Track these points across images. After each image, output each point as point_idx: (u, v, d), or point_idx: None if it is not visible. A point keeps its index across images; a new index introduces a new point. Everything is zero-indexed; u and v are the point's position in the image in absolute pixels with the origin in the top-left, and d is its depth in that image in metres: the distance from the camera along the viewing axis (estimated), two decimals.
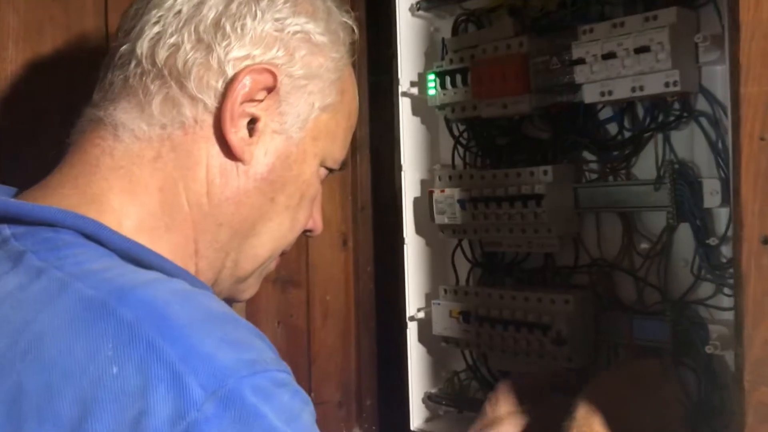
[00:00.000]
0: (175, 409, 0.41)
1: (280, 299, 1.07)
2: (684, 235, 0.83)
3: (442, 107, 1.00)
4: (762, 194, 0.50)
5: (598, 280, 0.90)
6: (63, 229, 0.51)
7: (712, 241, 0.79)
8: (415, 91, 1.02)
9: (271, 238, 0.63)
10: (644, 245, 0.87)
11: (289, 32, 0.59)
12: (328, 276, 1.12)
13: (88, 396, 0.41)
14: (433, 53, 1.04)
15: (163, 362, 0.42)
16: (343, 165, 0.68)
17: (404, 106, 1.03)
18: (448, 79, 0.97)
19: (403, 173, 1.03)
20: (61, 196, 0.55)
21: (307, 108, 0.60)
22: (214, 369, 0.42)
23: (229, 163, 0.58)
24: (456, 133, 1.02)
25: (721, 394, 0.79)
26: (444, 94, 0.98)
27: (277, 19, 0.59)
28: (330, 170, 0.66)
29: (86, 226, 0.52)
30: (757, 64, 0.50)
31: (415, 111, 1.04)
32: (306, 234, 0.68)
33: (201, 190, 0.57)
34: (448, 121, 1.03)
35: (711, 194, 0.79)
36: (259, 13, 0.58)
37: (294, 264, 1.09)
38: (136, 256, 0.52)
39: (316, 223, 0.69)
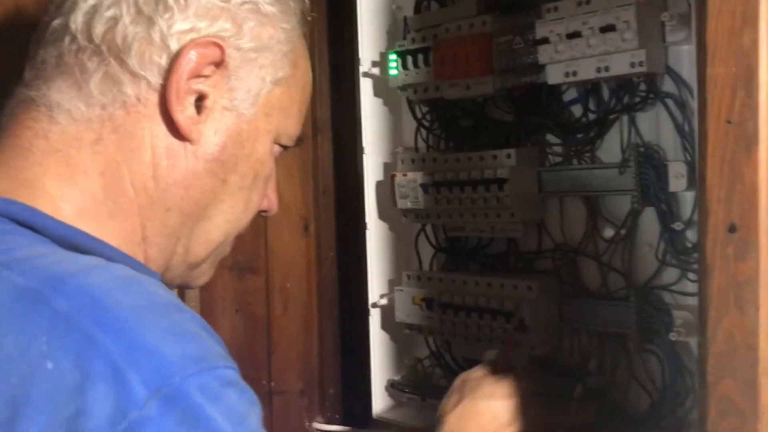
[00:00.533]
0: (115, 407, 0.38)
1: (238, 286, 1.04)
2: (649, 219, 0.81)
3: (404, 88, 0.97)
4: (729, 180, 0.48)
5: (562, 266, 0.88)
6: None
7: (678, 225, 0.78)
8: (376, 71, 0.99)
9: (225, 221, 0.60)
10: (609, 230, 0.85)
11: (236, 2, 0.56)
12: (288, 262, 1.09)
13: (19, 395, 0.38)
14: (395, 32, 1.01)
15: (102, 357, 0.39)
16: (299, 141, 0.65)
17: (365, 86, 1.00)
18: (410, 59, 0.94)
19: (365, 156, 1.01)
20: None
21: (259, 82, 0.57)
22: (158, 365, 0.40)
23: (176, 143, 0.54)
24: (419, 114, 1.00)
25: (684, 381, 0.78)
26: (406, 75, 0.95)
27: None
28: (284, 147, 0.63)
29: (18, 212, 0.49)
30: (724, 44, 0.48)
31: (377, 92, 1.01)
32: (261, 214, 0.65)
33: (146, 174, 0.54)
34: (410, 103, 1.00)
35: (677, 178, 0.77)
36: None
37: (252, 250, 1.06)
38: (75, 243, 0.49)
39: (272, 203, 0.66)
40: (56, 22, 0.54)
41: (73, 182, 0.52)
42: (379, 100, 1.02)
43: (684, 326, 0.76)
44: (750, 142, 0.47)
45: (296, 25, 0.60)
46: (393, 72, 0.96)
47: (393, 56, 0.96)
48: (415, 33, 0.95)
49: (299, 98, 0.62)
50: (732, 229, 0.48)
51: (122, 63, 0.52)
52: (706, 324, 0.49)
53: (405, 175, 0.95)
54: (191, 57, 0.53)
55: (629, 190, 0.80)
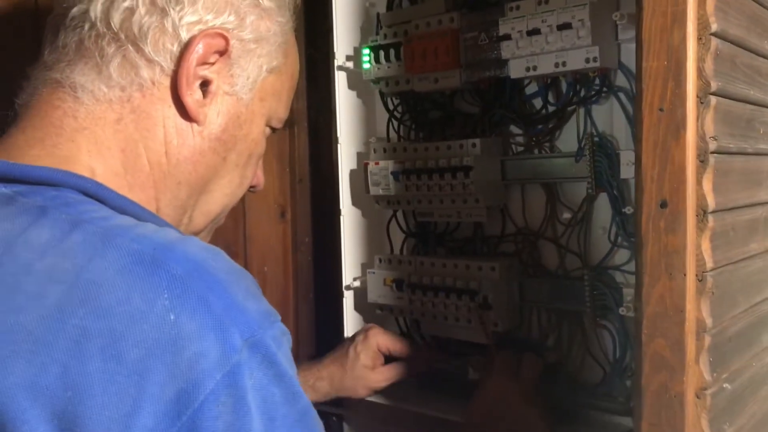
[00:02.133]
0: (222, 352, 0.47)
1: None
2: (602, 204, 0.87)
3: (376, 81, 1.02)
4: (660, 161, 0.54)
5: (524, 248, 0.94)
6: (65, 189, 0.54)
7: (628, 210, 0.84)
8: (350, 65, 1.04)
9: (223, 194, 0.66)
10: (566, 215, 0.91)
11: None
12: (265, 248, 1.13)
13: (150, 339, 0.46)
14: (368, 28, 1.06)
15: (212, 313, 0.48)
16: (285, 123, 0.71)
17: (340, 79, 1.05)
18: (382, 53, 0.99)
19: (339, 146, 1.06)
20: (32, 157, 0.57)
21: (256, 70, 0.63)
22: (247, 320, 0.49)
23: (184, 123, 0.61)
24: (390, 106, 1.05)
25: (633, 353, 0.84)
26: (378, 69, 1.00)
27: None
28: (273, 129, 0.70)
29: (87, 185, 0.55)
30: (656, 40, 0.54)
31: (351, 85, 1.06)
32: (250, 190, 0.72)
33: (160, 151, 0.60)
34: (382, 95, 1.05)
35: (627, 165, 0.83)
36: None
37: (231, 235, 1.10)
38: (132, 213, 0.55)
39: (260, 179, 0.73)
40: (76, 10, 0.59)
41: (99, 157, 0.58)
42: (353, 93, 1.07)
43: (633, 302, 0.82)
44: (678, 127, 0.53)
45: (289, 19, 0.67)
46: (366, 66, 1.01)
47: (366, 51, 1.01)
48: (387, 29, 1.00)
49: (288, 85, 0.69)
50: (663, 204, 0.54)
51: (139, 49, 0.58)
52: (641, 289, 0.55)
53: (377, 163, 1.00)
54: (200, 46, 0.59)
55: (584, 177, 0.86)
